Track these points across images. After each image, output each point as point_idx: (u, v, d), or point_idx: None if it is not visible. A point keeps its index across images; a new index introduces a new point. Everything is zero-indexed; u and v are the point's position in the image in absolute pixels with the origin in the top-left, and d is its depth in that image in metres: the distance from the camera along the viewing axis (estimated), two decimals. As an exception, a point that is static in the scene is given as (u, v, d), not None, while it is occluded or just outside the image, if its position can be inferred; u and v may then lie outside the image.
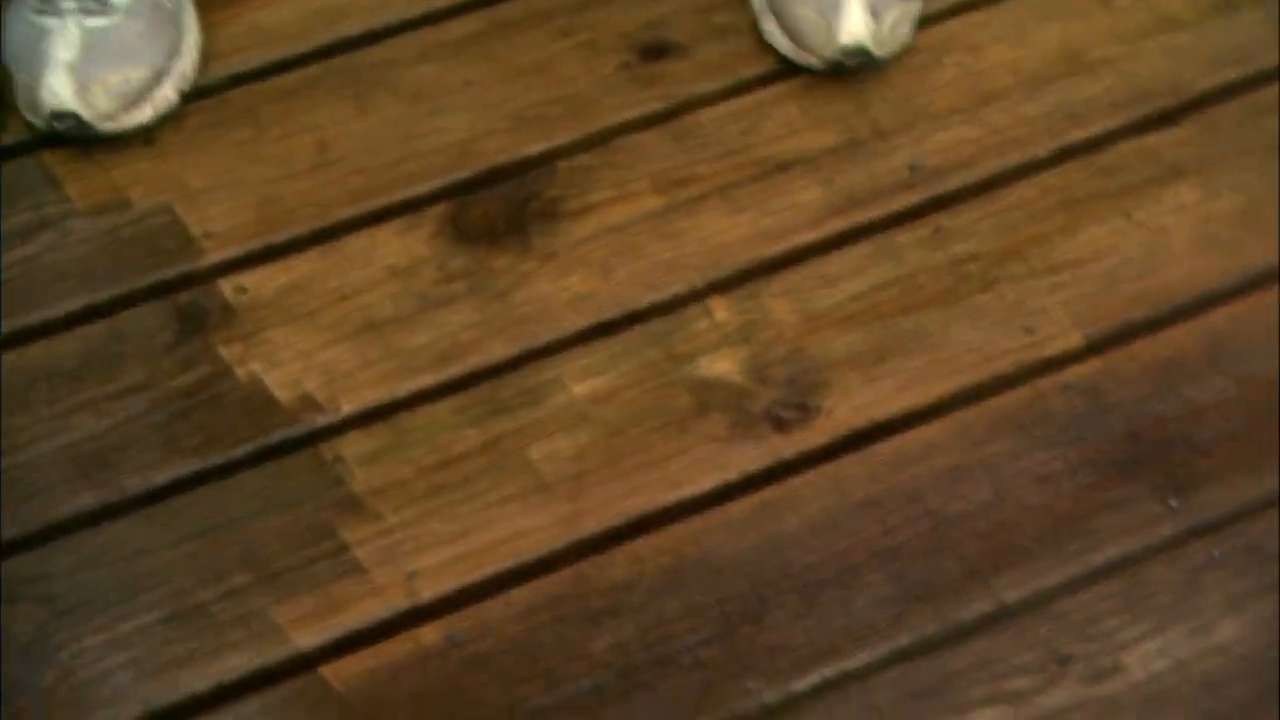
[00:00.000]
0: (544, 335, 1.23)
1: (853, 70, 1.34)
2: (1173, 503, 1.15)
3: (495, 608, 1.12)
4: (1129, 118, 1.32)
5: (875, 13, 1.31)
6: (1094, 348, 1.22)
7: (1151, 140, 1.31)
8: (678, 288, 1.25)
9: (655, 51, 1.36)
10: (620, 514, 1.16)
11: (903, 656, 1.10)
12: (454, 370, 1.22)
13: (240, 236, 1.27)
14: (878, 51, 1.33)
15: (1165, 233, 1.27)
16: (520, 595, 1.13)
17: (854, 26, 1.31)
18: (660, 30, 1.37)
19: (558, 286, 1.25)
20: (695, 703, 1.09)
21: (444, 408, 1.20)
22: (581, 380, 1.21)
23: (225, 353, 1.22)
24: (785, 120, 1.33)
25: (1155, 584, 1.12)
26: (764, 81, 1.35)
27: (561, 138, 1.32)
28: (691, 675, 1.10)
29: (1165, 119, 1.32)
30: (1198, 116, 1.32)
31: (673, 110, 1.33)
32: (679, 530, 1.16)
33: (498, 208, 1.29)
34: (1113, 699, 1.08)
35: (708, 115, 1.33)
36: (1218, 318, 1.23)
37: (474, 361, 1.22)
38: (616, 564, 1.14)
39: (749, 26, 1.37)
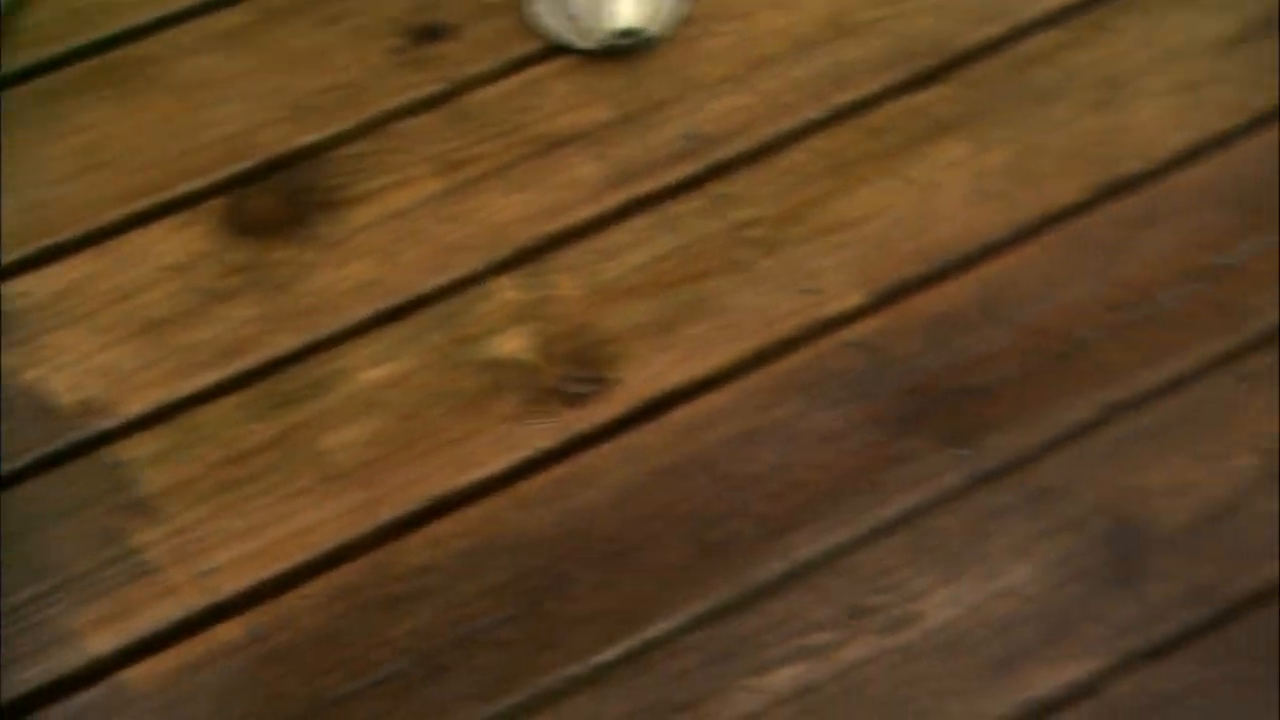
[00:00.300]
0: (329, 325, 1.22)
1: (627, 50, 1.35)
2: (957, 452, 1.17)
3: (294, 600, 1.11)
4: (895, 78, 1.34)
5: (647, -8, 1.33)
6: (873, 306, 1.24)
7: (919, 99, 1.33)
8: (462, 269, 1.26)
9: (427, 34, 1.36)
10: (415, 498, 1.16)
11: (703, 621, 1.11)
12: (239, 365, 1.20)
13: (11, 243, 1.25)
14: (652, 30, 1.34)
15: (937, 188, 1.29)
16: (318, 586, 1.12)
17: (627, 9, 1.32)
18: (430, 13, 1.37)
19: (340, 275, 1.25)
20: (500, 681, 1.09)
21: (230, 403, 1.19)
22: (370, 367, 1.21)
23: (2, 361, 1.20)
24: (560, 97, 1.34)
25: (945, 533, 1.15)
26: (537, 59, 1.35)
27: (337, 126, 1.31)
28: (495, 654, 1.10)
29: (931, 77, 1.34)
30: (962, 73, 1.34)
31: (448, 92, 1.33)
32: (475, 511, 1.16)
33: (276, 199, 1.28)
34: (909, 647, 1.10)
35: (483, 96, 1.33)
36: (991, 269, 1.25)
37: (259, 355, 1.21)
38: (414, 549, 1.14)
39: (515, 5, 1.37)
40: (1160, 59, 1.33)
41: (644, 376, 1.21)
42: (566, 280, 1.25)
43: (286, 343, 1.21)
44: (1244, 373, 1.19)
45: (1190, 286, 1.23)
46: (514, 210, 1.28)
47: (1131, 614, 1.10)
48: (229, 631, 1.10)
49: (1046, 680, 1.08)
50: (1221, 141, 1.29)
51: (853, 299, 1.24)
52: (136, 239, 1.25)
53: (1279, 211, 1.25)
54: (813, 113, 1.33)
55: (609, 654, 1.10)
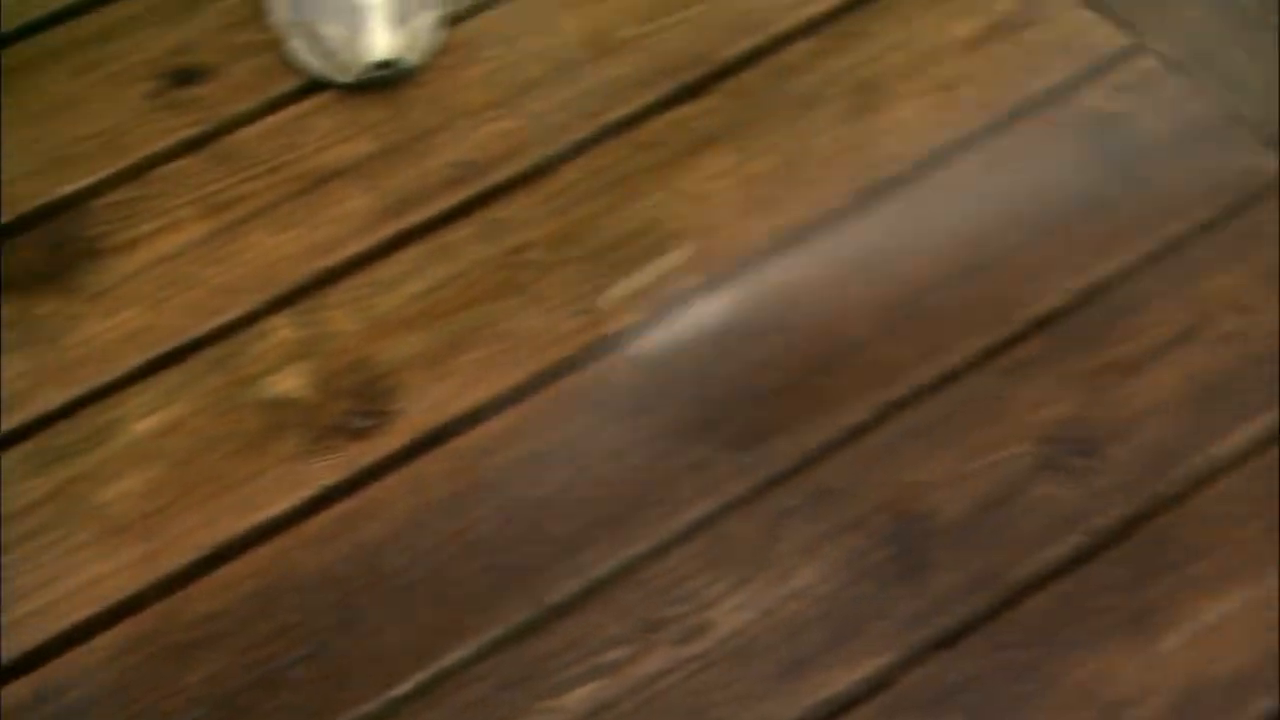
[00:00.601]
0: (100, 376, 1.21)
1: (387, 81, 1.35)
2: (744, 458, 1.19)
3: (82, 656, 1.10)
4: (660, 93, 1.35)
5: (401, 23, 1.32)
6: (652, 319, 1.25)
7: (684, 111, 1.35)
8: (235, 311, 1.24)
9: (183, 77, 1.35)
10: (200, 545, 1.14)
11: (497, 647, 1.11)
12: (10, 422, 1.18)
13: None
14: (409, 60, 1.34)
15: (708, 199, 1.31)
16: (107, 640, 1.10)
17: (381, 41, 1.32)
18: (185, 55, 1.36)
19: (109, 325, 1.23)
20: (296, 722, 1.09)
21: (4, 461, 1.17)
22: (145, 416, 1.19)
23: None
24: (325, 132, 1.33)
25: (735, 539, 1.16)
26: (298, 96, 1.35)
27: (97, 174, 1.30)
28: (291, 694, 1.09)
29: (694, 90, 1.35)
30: (724, 85, 1.36)
31: (209, 134, 1.32)
32: (263, 553, 1.15)
33: (39, 252, 1.26)
34: (703, 657, 1.11)
35: (245, 135, 1.32)
36: (766, 275, 1.27)
37: (30, 410, 1.19)
38: (203, 595, 1.13)
39: (275, 43, 1.37)
40: (914, 61, 1.36)
41: (426, 406, 1.21)
42: (342, 315, 1.24)
43: (58, 396, 1.19)
44: (1012, 364, 1.21)
45: (957, 282, 1.25)
46: (284, 248, 1.27)
47: (918, 607, 1.12)
48: (15, 694, 1.08)
49: (839, 679, 1.10)
50: (979, 138, 1.32)
51: (632, 314, 1.25)
52: (-104, 302, 1.23)
53: (1040, 203, 1.29)
54: (581, 132, 1.33)
55: (403, 688, 1.09)
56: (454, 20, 1.38)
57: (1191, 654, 1.10)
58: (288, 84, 1.35)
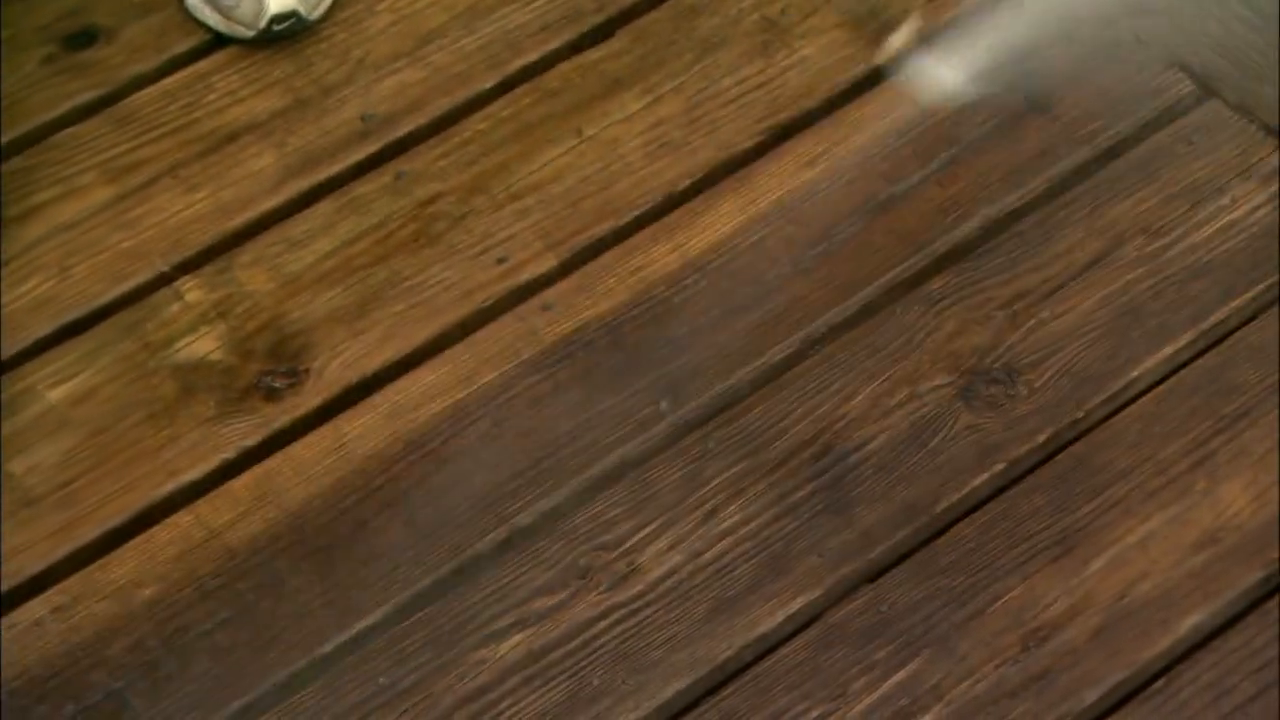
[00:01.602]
0: (8, 346, 1.18)
1: (287, 35, 1.33)
2: (663, 403, 1.19)
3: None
4: (565, 38, 1.34)
5: (299, -26, 1.31)
6: (567, 266, 1.24)
7: (591, 56, 1.33)
8: (143, 276, 1.23)
9: (80, 40, 1.32)
10: (119, 512, 1.13)
11: (425, 600, 1.10)
12: (-82, 397, 1.17)
13: None
14: (307, 13, 1.32)
15: (617, 143, 1.30)
16: (25, 614, 1.09)
17: None
18: (81, 17, 1.33)
19: (14, 295, 1.21)
20: (225, 685, 1.07)
21: (-87, 438, 1.16)
22: (56, 385, 1.17)
23: None
24: (227, 90, 1.31)
25: (658, 483, 1.15)
26: (199, 54, 1.33)
27: (-5, 142, 1.28)
28: (216, 660, 1.08)
29: (600, 34, 1.34)
30: (630, 28, 1.34)
31: (108, 97, 1.30)
32: (183, 518, 1.13)
33: (-61, 224, 1.25)
34: (635, 600, 1.11)
35: (146, 96, 1.30)
36: (677, 218, 1.27)
37: (-62, 385, 1.18)
38: (123, 562, 1.11)
39: (174, 1, 1.35)
40: (818, -3, 1.36)
41: (343, 363, 1.20)
42: (254, 275, 1.23)
43: (-35, 369, 1.18)
44: (927, 297, 1.21)
45: (869, 218, 1.25)
46: (192, 209, 1.25)
47: (846, 541, 1.12)
48: (-64, 672, 1.07)
49: (770, 616, 1.10)
50: (884, 73, 1.32)
51: (547, 262, 1.24)
52: None
53: (946, 138, 1.28)
54: (487, 81, 1.32)
55: (330, 646, 1.08)
56: (353, -27, 1.37)
57: (1117, 575, 1.11)
58: (188, 42, 1.33)
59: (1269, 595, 1.10)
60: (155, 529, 1.13)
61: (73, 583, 1.10)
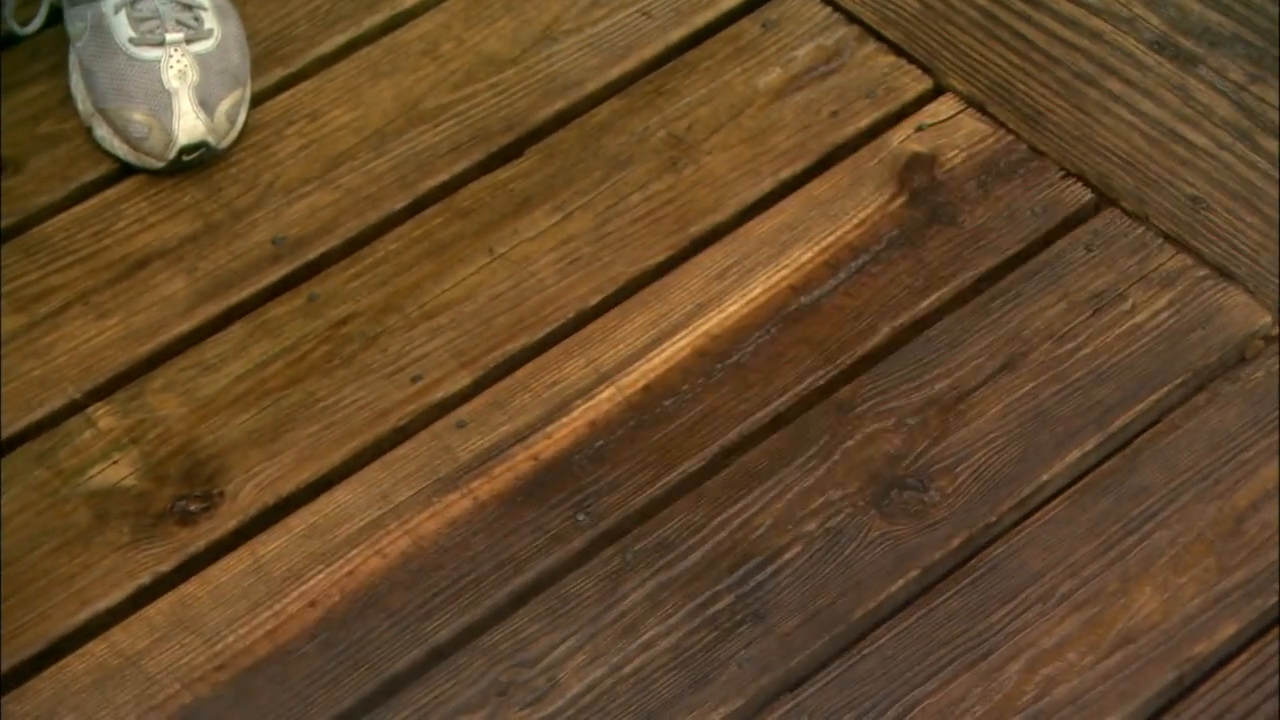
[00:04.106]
0: (-81, 477, 1.18)
1: (198, 163, 1.34)
2: (580, 516, 1.19)
3: (-85, 768, 1.07)
4: (474, 158, 1.35)
5: (206, 106, 1.31)
6: (481, 383, 1.25)
7: (501, 175, 1.35)
8: (55, 403, 1.22)
9: (-12, 172, 1.33)
10: (32, 643, 1.12)
11: (343, 723, 1.11)
12: None
13: None
14: (217, 143, 1.33)
15: (528, 261, 1.31)
16: (-60, 749, 1.08)
17: (189, 125, 1.31)
18: (-13, 151, 1.35)
19: (-75, 424, 1.21)
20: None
21: None
22: (-32, 515, 1.17)
23: None
24: (137, 217, 1.32)
25: (577, 596, 1.16)
26: (108, 182, 1.33)
27: (-95, 273, 1.28)
28: (135, 789, 1.07)
29: (508, 153, 1.36)
30: (538, 147, 1.36)
31: (17, 227, 1.30)
32: (99, 646, 1.13)
33: None
34: (556, 716, 1.10)
35: (55, 225, 1.30)
36: (591, 332, 1.28)
37: None
38: (38, 693, 1.10)
39: (80, 131, 1.35)
40: (722, 115, 1.37)
41: (258, 485, 1.19)
42: (167, 400, 1.23)
43: (-124, 501, 1.17)
44: (840, 404, 1.23)
45: (779, 328, 1.27)
46: (103, 336, 1.25)
47: (765, 650, 1.13)
48: None
49: (691, 728, 1.11)
50: (792, 185, 1.34)
51: (461, 380, 1.24)
52: None
53: (854, 248, 1.30)
54: (399, 202, 1.33)
55: (251, 771, 1.08)
56: (260, 98, 1.37)
57: (1034, 679, 1.12)
58: (96, 171, 1.33)
59: (1183, 695, 1.12)
60: (70, 658, 1.12)
61: (-13, 715, 1.09)
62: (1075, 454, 1.21)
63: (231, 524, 1.18)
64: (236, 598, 1.14)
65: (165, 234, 1.30)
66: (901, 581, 1.15)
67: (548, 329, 1.27)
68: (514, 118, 1.37)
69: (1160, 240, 1.30)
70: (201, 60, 1.32)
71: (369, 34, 1.41)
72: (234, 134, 1.34)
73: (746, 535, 1.17)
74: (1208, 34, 1.41)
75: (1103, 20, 1.42)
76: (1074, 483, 1.20)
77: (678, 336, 1.26)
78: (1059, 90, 1.38)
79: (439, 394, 1.24)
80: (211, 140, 1.32)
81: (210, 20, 1.33)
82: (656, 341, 1.26)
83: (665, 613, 1.15)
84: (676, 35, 1.41)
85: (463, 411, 1.23)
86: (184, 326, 1.26)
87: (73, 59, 1.35)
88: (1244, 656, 1.12)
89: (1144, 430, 1.21)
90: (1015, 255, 1.30)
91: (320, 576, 1.15)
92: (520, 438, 1.22)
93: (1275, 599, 1.14)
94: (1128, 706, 1.11)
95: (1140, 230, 1.30)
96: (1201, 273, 1.28)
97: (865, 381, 1.24)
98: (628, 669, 1.13)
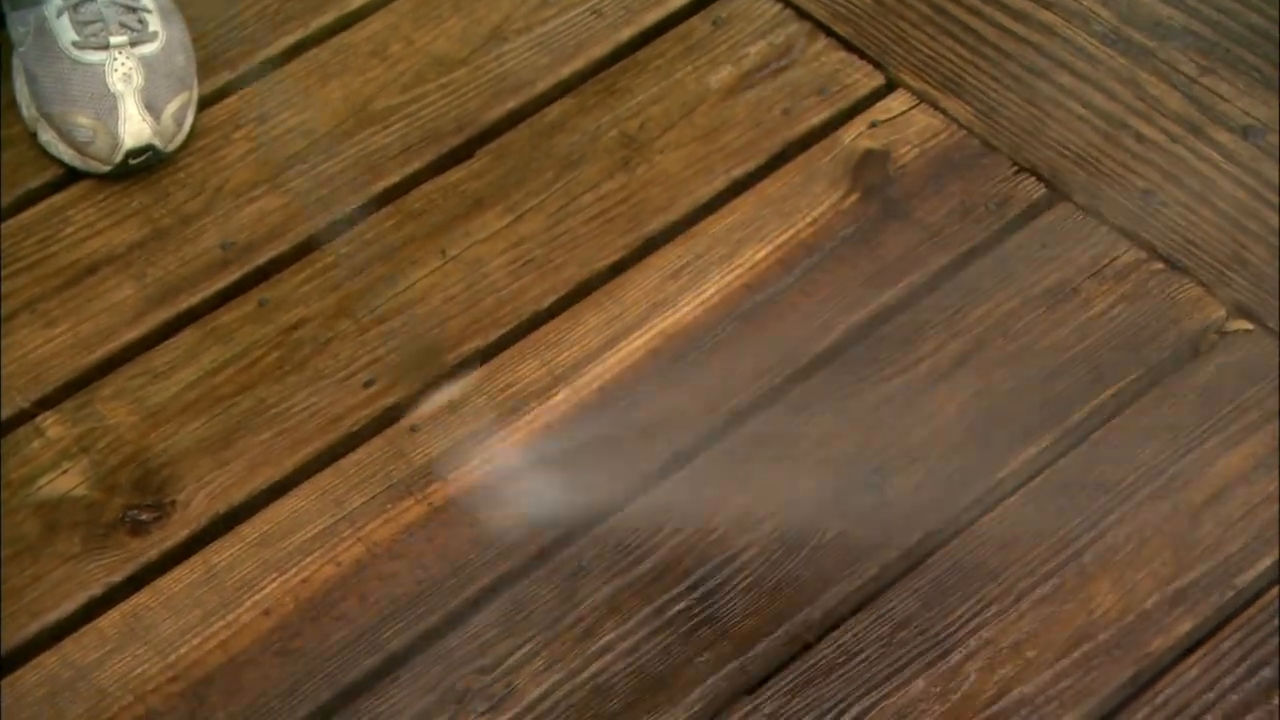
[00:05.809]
0: None
1: (143, 168, 1.32)
2: (533, 521, 1.17)
3: None
4: (425, 160, 1.34)
5: (153, 109, 1.30)
6: (434, 387, 1.23)
7: (452, 177, 1.34)
8: (3, 413, 1.21)
9: (-70, 176, 1.32)
10: (-17, 656, 1.12)
11: (300, 733, 1.10)
12: None
13: None
14: (164, 146, 1.32)
15: (481, 262, 1.30)
16: (-110, 766, 1.07)
17: (135, 128, 1.30)
18: (-70, 157, 1.33)
19: None
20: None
21: None
22: (-85, 528, 1.16)
23: None
24: (84, 223, 1.30)
25: (533, 602, 1.15)
26: (54, 188, 1.32)
27: None
28: (89, 804, 1.06)
29: (459, 154, 1.35)
30: (489, 148, 1.35)
31: (-38, 232, 1.30)
32: (51, 658, 1.12)
33: None
34: (514, 723, 1.11)
35: (1, 231, 1.29)
36: (545, 333, 1.26)
37: None
38: (-9, 709, 1.10)
39: (25, 136, 1.34)
40: (674, 113, 1.37)
41: (210, 494, 1.18)
42: (116, 408, 1.22)
43: None
44: (796, 402, 1.22)
45: (734, 327, 1.26)
46: (51, 344, 1.24)
47: (723, 653, 1.12)
48: None
49: (649, 732, 1.10)
50: (745, 183, 1.34)
51: (413, 384, 1.24)
52: None
53: (808, 247, 1.30)
54: (349, 205, 1.32)
55: (206, 784, 1.08)
56: (208, 102, 1.36)
57: (993, 677, 1.11)
58: (42, 177, 1.32)
59: (1140, 691, 1.12)
60: (22, 670, 1.10)
61: (-63, 731, 1.08)
62: (1031, 450, 1.20)
63: (183, 533, 1.17)
64: (189, 607, 1.14)
65: (113, 240, 1.29)
66: (859, 582, 1.15)
67: (501, 331, 1.26)
68: (464, 118, 1.37)
69: (1113, 234, 1.30)
70: (147, 63, 1.31)
71: (317, 35, 1.40)
72: (181, 137, 1.33)
73: (703, 538, 1.17)
74: (1158, 27, 1.41)
75: (1053, 14, 1.42)
76: (1030, 479, 1.19)
77: (632, 337, 1.26)
78: (1010, 85, 1.38)
79: (391, 398, 1.23)
80: (158, 143, 1.31)
81: (154, 23, 1.32)
82: (611, 342, 1.26)
83: (622, 617, 1.14)
84: (627, 34, 1.41)
85: (415, 416, 1.22)
86: (133, 334, 1.25)
87: (16, 64, 1.34)
88: (1201, 652, 1.13)
89: (1100, 426, 1.21)
90: (969, 251, 1.29)
91: (274, 585, 1.15)
92: (475, 441, 1.21)
93: (1231, 594, 1.14)
94: (1086, 704, 1.10)
95: (1093, 224, 1.30)
96: (1155, 266, 1.28)
97: (820, 379, 1.24)
98: (585, 674, 1.12)
